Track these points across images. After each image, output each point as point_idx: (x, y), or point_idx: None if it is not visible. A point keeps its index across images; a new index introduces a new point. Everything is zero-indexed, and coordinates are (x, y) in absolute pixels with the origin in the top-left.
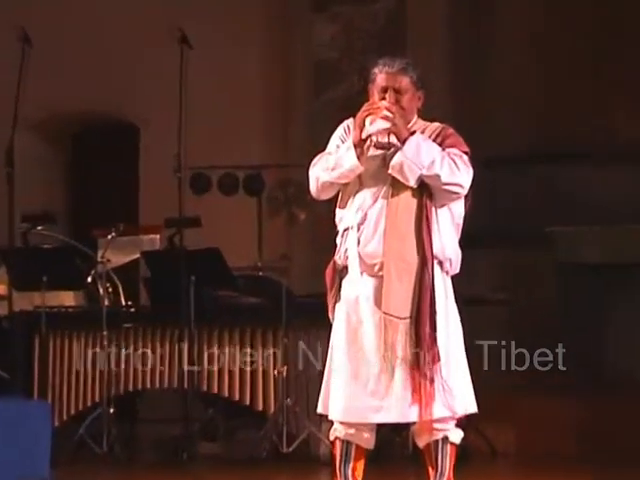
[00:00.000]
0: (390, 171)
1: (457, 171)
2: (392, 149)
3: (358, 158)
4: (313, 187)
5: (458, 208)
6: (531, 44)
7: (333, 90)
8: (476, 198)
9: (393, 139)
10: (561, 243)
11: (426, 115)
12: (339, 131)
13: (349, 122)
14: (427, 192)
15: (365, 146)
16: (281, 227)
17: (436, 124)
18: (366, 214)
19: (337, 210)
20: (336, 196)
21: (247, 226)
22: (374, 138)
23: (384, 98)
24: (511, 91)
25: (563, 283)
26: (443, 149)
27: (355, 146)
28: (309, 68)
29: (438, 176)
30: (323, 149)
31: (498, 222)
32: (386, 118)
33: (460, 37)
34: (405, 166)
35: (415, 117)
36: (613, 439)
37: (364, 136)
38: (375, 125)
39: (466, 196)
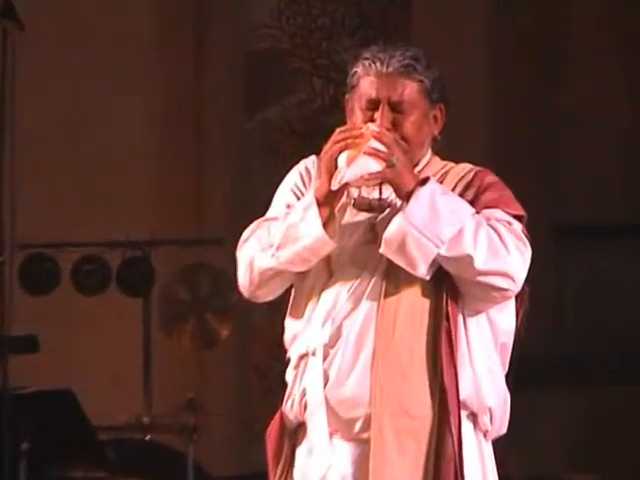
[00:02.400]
0: (383, 250)
1: (503, 250)
2: (386, 210)
3: (325, 226)
4: (245, 279)
5: (504, 317)
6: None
7: (278, 105)
8: (536, 299)
9: (388, 192)
10: None
11: (449, 150)
12: (292, 179)
13: (309, 162)
14: (449, 288)
15: (338, 204)
16: (186, 351)
17: (466, 166)
18: (340, 328)
19: (287, 321)
20: (286, 295)
21: (125, 350)
22: (354, 191)
23: (373, 119)
24: (592, 118)
25: None
26: (478, 210)
27: (320, 205)
28: (235, 67)
29: (469, 259)
30: (262, 213)
31: (574, 343)
32: (376, 154)
33: (505, 22)
34: (410, 240)
35: (429, 153)
36: None
37: (336, 186)
38: (356, 167)
39: (518, 296)
